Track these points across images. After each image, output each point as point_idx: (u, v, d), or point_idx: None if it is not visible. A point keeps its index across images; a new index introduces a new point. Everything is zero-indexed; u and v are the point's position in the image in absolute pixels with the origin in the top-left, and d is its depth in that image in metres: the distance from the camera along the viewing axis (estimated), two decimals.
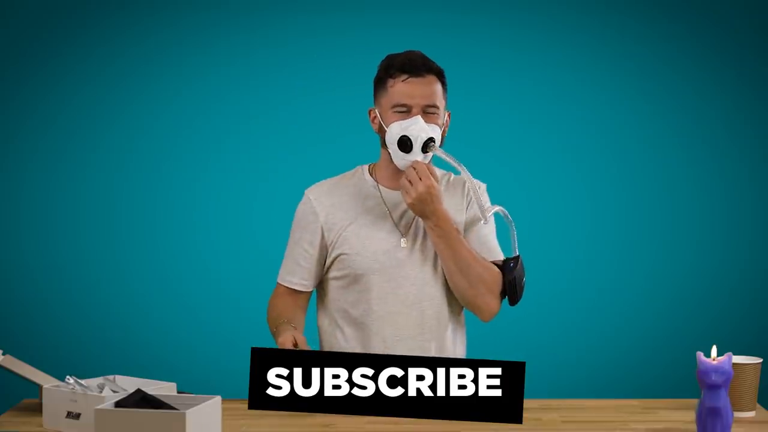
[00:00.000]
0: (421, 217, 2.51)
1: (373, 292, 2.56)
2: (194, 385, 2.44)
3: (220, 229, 3.87)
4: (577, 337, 3.88)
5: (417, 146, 2.50)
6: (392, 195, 2.60)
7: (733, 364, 2.25)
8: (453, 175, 2.68)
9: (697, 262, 3.89)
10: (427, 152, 2.52)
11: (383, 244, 2.56)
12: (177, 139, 3.88)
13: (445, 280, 2.57)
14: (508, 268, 2.57)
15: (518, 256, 2.60)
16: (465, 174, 2.53)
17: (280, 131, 3.87)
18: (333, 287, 2.61)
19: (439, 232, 2.50)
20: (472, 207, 2.63)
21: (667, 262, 3.90)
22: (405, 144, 2.50)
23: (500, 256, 2.62)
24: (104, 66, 3.85)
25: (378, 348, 2.55)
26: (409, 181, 2.48)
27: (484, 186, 2.68)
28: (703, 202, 3.89)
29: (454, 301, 2.60)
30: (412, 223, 2.58)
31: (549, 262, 3.89)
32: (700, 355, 2.06)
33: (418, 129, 2.49)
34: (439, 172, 2.63)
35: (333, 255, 2.58)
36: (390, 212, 2.59)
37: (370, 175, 2.64)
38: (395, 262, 2.56)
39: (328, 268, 2.61)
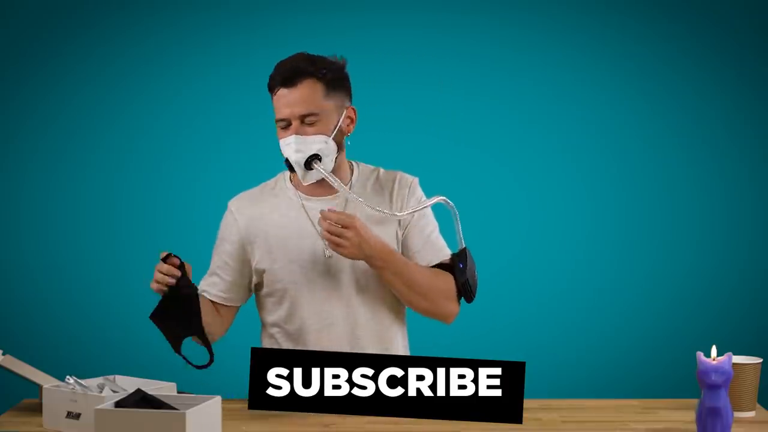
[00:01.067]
0: (364, 260, 2.42)
1: (304, 305, 2.49)
2: (194, 385, 2.44)
3: None
4: (577, 337, 3.88)
5: (299, 168, 2.42)
6: (313, 203, 2.52)
7: (733, 364, 2.25)
8: (382, 171, 2.58)
9: (697, 262, 3.89)
10: (312, 169, 2.42)
11: (308, 255, 2.49)
12: (177, 139, 3.88)
13: (376, 283, 2.49)
14: (459, 271, 2.51)
15: (465, 249, 2.53)
16: (351, 195, 2.43)
17: None
18: (267, 304, 2.55)
19: (385, 266, 2.43)
20: (410, 203, 2.53)
21: (667, 262, 3.89)
22: (290, 166, 2.44)
23: (448, 253, 2.55)
24: (104, 66, 3.85)
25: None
26: (336, 235, 2.36)
27: (416, 180, 2.58)
28: (703, 202, 3.89)
29: (389, 301, 2.52)
30: None
31: (549, 262, 3.89)
32: (700, 355, 2.06)
33: (292, 152, 2.41)
34: (366, 168, 2.58)
35: (259, 270, 2.52)
36: (312, 222, 2.50)
37: (291, 182, 2.56)
38: (322, 272, 2.48)
39: (258, 284, 2.55)
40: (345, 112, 2.48)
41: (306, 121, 2.42)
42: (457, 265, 2.51)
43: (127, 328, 3.85)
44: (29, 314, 3.85)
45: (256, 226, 2.53)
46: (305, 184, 2.47)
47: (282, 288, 2.51)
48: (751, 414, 2.31)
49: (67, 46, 3.85)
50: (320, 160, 2.43)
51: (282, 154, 2.46)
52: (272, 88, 2.45)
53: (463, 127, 3.88)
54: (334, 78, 2.46)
